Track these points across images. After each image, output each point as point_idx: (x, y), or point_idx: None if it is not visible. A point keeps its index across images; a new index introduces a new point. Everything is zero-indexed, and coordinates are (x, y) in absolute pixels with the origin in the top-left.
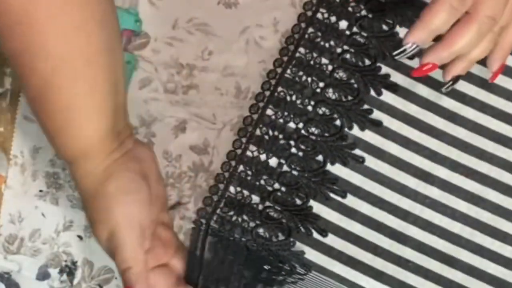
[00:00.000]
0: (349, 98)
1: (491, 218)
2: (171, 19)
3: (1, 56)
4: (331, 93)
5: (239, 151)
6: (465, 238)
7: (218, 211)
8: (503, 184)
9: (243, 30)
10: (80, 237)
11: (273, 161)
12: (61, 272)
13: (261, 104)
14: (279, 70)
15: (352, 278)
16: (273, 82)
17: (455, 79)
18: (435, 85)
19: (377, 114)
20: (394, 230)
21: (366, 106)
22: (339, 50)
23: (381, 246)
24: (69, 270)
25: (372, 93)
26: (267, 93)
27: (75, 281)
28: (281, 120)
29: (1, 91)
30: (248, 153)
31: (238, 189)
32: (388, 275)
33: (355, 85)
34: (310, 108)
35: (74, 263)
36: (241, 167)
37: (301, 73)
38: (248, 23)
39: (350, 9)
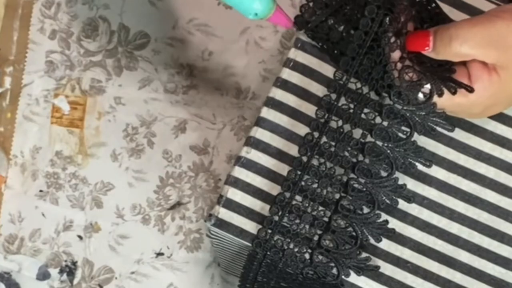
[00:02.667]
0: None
1: (489, 219)
2: (171, 20)
3: (1, 56)
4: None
5: (322, 121)
6: (463, 239)
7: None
8: (501, 185)
9: (243, 30)
10: (80, 237)
11: (357, 132)
12: (61, 272)
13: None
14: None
15: (351, 279)
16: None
17: None
18: None
19: None
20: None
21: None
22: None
23: (379, 246)
24: (69, 270)
25: None
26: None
27: (75, 281)
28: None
29: (1, 91)
30: (332, 124)
31: (321, 160)
32: (387, 275)
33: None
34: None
35: (74, 263)
36: (324, 139)
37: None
38: (248, 23)
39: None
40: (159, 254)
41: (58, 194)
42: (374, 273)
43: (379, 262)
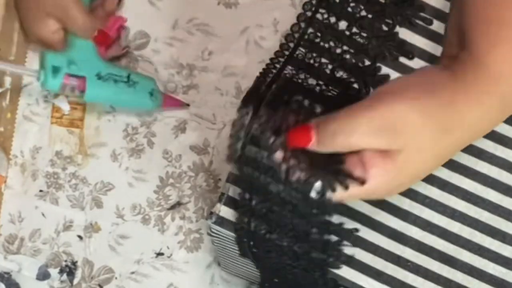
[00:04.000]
0: None
1: (491, 218)
2: (171, 19)
3: (1, 56)
4: (330, 93)
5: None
6: (464, 238)
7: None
8: (503, 184)
9: (243, 30)
10: (80, 237)
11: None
12: (61, 272)
13: None
14: (277, 66)
15: (352, 278)
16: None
17: None
18: None
19: None
20: (394, 230)
21: None
22: (338, 50)
23: (381, 245)
24: (69, 270)
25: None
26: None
27: (75, 281)
28: None
29: (1, 91)
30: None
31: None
32: (388, 274)
33: (355, 85)
34: None
35: (74, 263)
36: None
37: (300, 72)
38: (248, 23)
39: (349, 9)
40: (159, 254)
41: (58, 194)
42: (375, 272)
43: (380, 261)
